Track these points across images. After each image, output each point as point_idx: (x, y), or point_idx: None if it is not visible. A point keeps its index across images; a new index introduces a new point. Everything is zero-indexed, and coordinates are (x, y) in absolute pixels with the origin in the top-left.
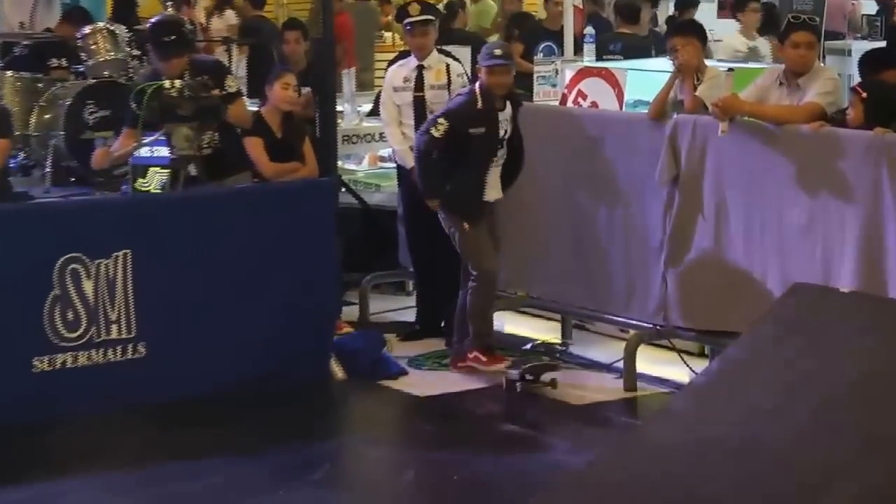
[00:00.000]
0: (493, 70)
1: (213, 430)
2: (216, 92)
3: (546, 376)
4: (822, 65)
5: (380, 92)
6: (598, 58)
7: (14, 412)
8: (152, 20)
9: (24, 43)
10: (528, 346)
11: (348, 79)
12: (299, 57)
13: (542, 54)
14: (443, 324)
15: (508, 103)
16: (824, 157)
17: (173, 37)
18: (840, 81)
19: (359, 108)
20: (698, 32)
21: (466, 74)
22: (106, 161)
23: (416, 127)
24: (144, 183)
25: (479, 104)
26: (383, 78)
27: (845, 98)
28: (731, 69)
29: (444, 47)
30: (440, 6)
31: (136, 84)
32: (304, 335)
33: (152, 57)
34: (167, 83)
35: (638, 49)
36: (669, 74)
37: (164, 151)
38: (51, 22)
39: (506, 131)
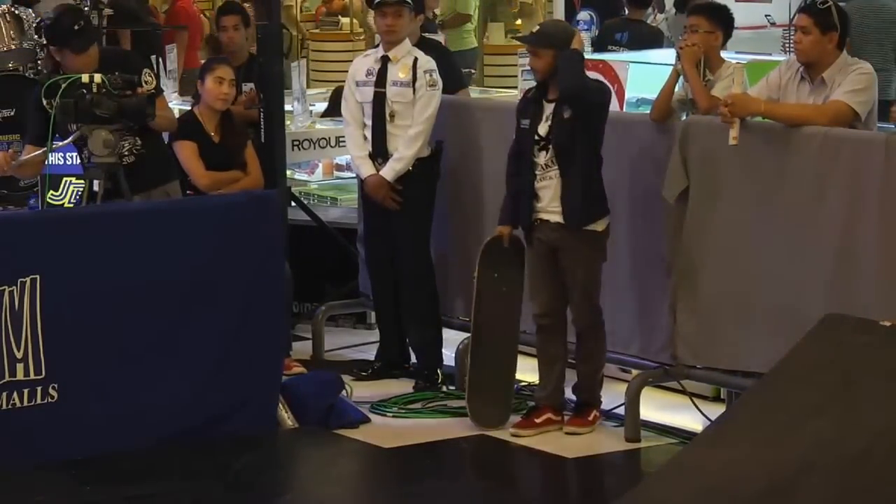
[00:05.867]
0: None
1: (135, 492)
2: (141, 90)
3: None
4: (849, 56)
5: (335, 89)
6: (601, 48)
7: None
8: (55, 8)
9: None
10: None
11: (298, 73)
12: (239, 47)
13: None
14: (411, 362)
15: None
16: (871, 167)
17: (82, 23)
18: (874, 77)
19: (311, 108)
20: (727, 25)
21: (436, 71)
22: (8, 168)
23: (375, 128)
24: (56, 196)
25: (534, 91)
26: None
27: None
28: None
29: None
30: None
31: (45, 78)
32: (246, 377)
33: (60, 52)
34: (85, 77)
35: (648, 41)
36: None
37: (78, 159)
38: None
39: (550, 129)
